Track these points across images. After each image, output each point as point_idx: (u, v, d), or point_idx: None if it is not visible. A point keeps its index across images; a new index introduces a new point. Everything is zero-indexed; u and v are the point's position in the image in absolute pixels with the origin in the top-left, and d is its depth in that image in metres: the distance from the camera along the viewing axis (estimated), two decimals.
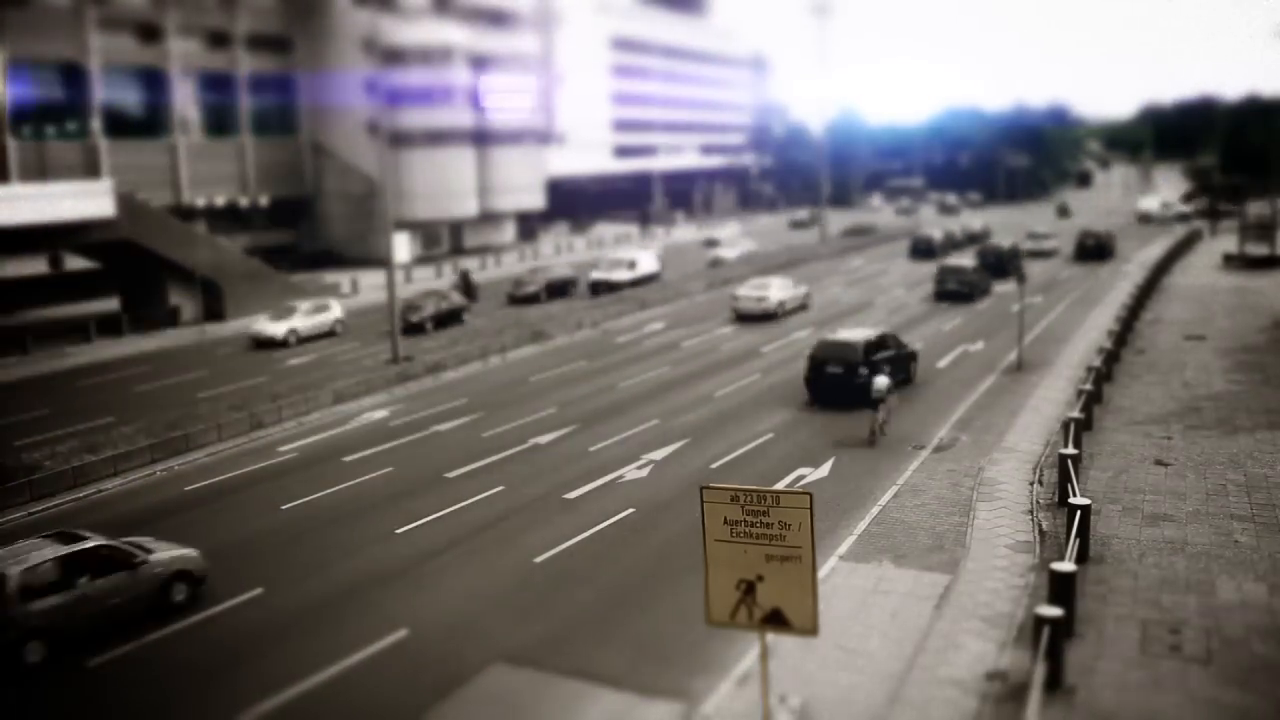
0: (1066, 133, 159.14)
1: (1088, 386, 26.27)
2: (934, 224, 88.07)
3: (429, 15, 70.81)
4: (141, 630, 16.22)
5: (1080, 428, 22.65)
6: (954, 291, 49.75)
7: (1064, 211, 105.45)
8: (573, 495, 22.25)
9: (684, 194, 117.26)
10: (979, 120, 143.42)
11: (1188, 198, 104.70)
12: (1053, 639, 12.56)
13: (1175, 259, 62.76)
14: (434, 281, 62.10)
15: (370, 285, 56.62)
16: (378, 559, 19.08)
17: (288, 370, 37.20)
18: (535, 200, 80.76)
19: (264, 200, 66.69)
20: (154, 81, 60.39)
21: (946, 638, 14.53)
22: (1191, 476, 21.27)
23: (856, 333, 31.10)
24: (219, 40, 63.50)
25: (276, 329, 42.77)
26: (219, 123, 64.48)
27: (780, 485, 22.19)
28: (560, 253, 77.80)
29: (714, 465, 24.19)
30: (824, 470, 23.39)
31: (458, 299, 48.36)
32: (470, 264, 66.61)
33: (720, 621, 11.51)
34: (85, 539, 16.63)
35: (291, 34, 67.59)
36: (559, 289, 55.34)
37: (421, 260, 68.67)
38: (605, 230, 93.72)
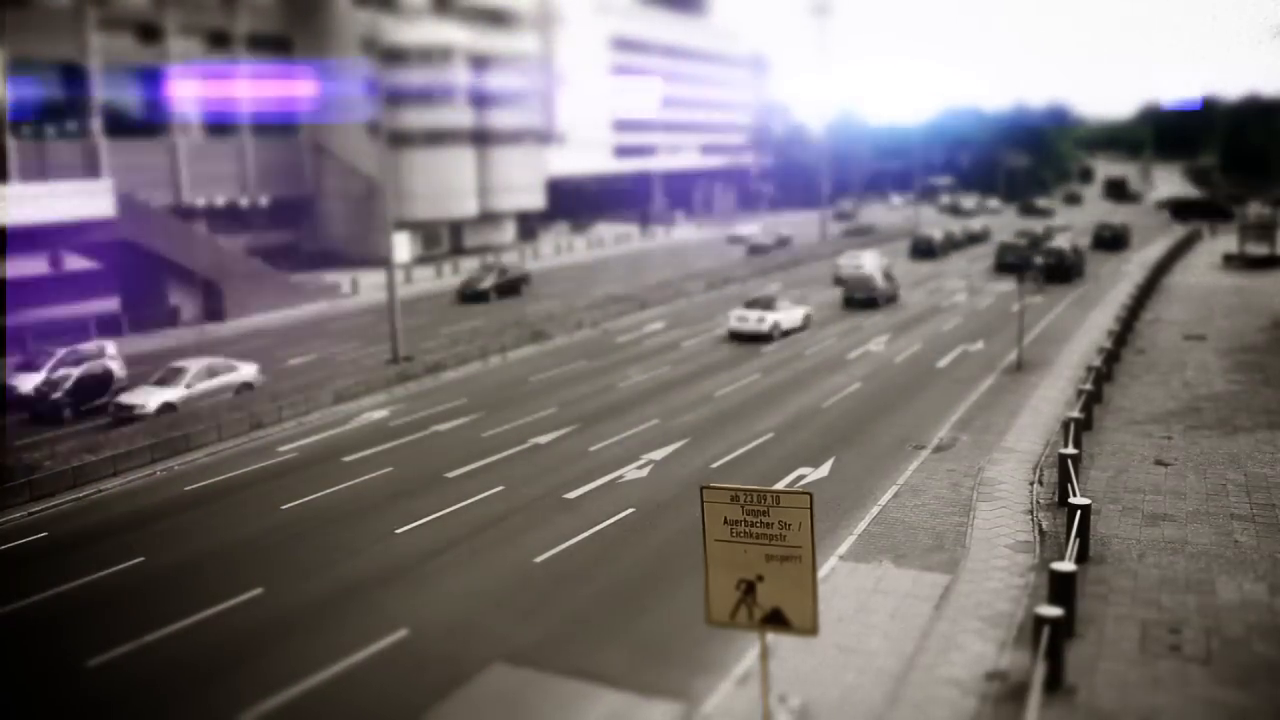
0: (1066, 133, 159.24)
1: (1088, 386, 26.28)
2: (934, 224, 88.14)
3: (429, 15, 70.80)
4: (140, 630, 16.23)
5: (1080, 428, 22.66)
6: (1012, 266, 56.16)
7: (1074, 199, 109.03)
8: (573, 495, 22.25)
9: (684, 194, 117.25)
10: (979, 120, 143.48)
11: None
12: (1053, 639, 12.56)
13: (1175, 259, 62.79)
14: (434, 281, 62.15)
15: (370, 285, 56.63)
16: (378, 559, 19.08)
17: (288, 370, 37.19)
18: (535, 200, 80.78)
19: (264, 200, 66.69)
20: (154, 81, 60.38)
21: (946, 638, 14.53)
22: (1191, 476, 21.27)
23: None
24: (219, 40, 63.49)
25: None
26: (219, 123, 64.45)
27: (780, 485, 22.19)
28: (560, 253, 77.81)
29: (714, 465, 24.20)
30: (824, 470, 23.40)
31: (519, 271, 58.31)
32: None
33: (720, 621, 11.51)
34: None
35: (291, 34, 67.59)
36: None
37: (421, 260, 68.67)
38: (605, 230, 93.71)
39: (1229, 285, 51.26)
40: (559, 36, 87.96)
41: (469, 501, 22.09)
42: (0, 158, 52.03)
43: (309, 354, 40.93)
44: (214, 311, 48.86)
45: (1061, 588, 13.94)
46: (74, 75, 55.98)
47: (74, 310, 49.44)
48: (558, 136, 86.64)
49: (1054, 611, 12.79)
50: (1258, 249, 61.01)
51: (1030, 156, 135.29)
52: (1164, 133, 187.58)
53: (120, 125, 58.61)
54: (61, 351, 33.93)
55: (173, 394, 30.99)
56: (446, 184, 70.78)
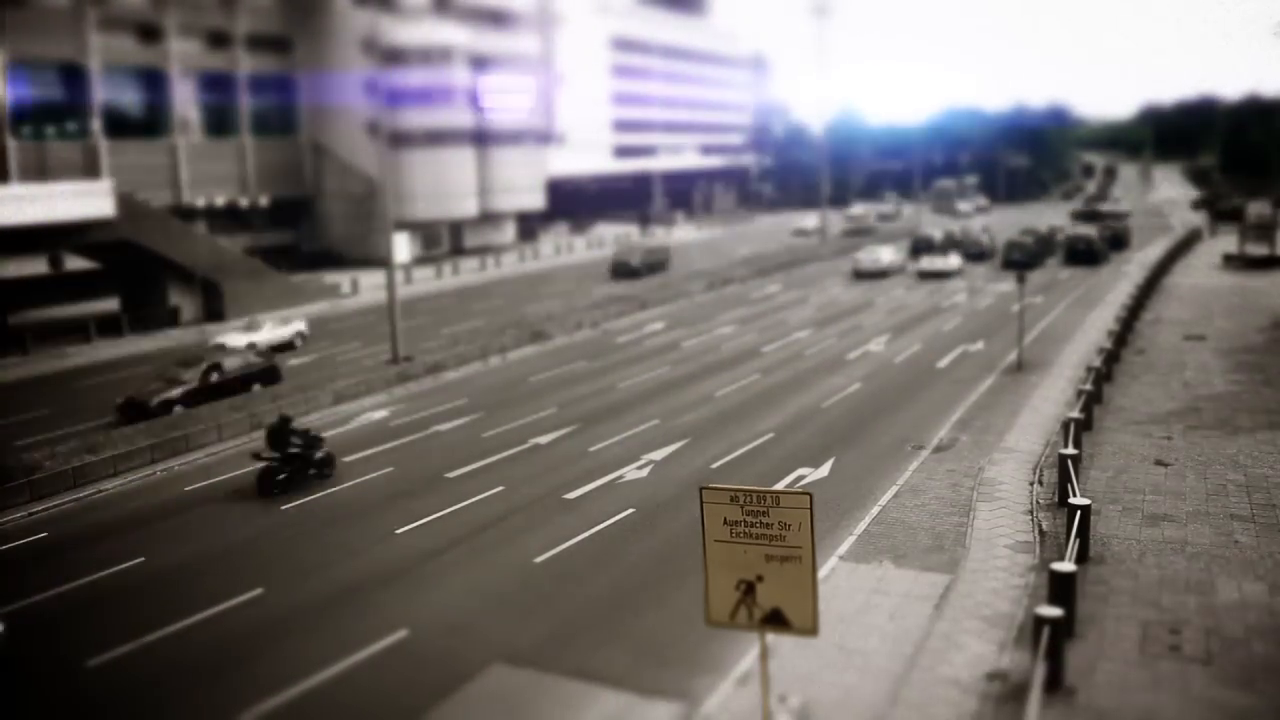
0: (1066, 133, 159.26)
1: (1088, 386, 26.27)
2: (934, 224, 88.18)
3: (429, 15, 70.80)
4: (140, 630, 16.24)
5: (1080, 428, 22.65)
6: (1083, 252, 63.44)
7: (1070, 196, 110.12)
8: (573, 495, 22.25)
9: (684, 194, 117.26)
10: (979, 120, 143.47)
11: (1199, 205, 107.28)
12: (1053, 639, 12.56)
13: (1175, 259, 62.79)
14: (434, 281, 62.15)
15: (370, 285, 56.65)
16: (378, 559, 19.08)
17: (288, 370, 37.18)
18: (535, 200, 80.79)
19: (264, 200, 66.71)
20: (154, 81, 60.40)
21: (946, 638, 14.53)
22: (1191, 476, 21.27)
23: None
24: (219, 40, 63.50)
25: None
26: (219, 123, 64.50)
27: (780, 485, 22.19)
28: (560, 253, 77.82)
29: (714, 465, 24.20)
30: (824, 470, 23.39)
31: (664, 252, 65.98)
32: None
33: (720, 622, 11.51)
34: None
35: (291, 34, 67.61)
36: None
37: (421, 260, 68.68)
38: (605, 230, 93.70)
39: (1229, 285, 51.27)
40: (559, 36, 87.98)
41: (469, 502, 22.10)
42: (0, 158, 52.04)
43: (309, 354, 40.93)
44: (214, 311, 48.86)
45: (1061, 588, 13.93)
46: (74, 75, 56.00)
47: (74, 310, 49.50)
48: (558, 136, 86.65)
49: (1054, 612, 12.79)
50: (1258, 249, 60.99)
51: (1030, 157, 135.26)
52: (1164, 133, 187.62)
53: (120, 125, 58.63)
54: None
55: (256, 337, 40.42)
56: (446, 184, 70.79)
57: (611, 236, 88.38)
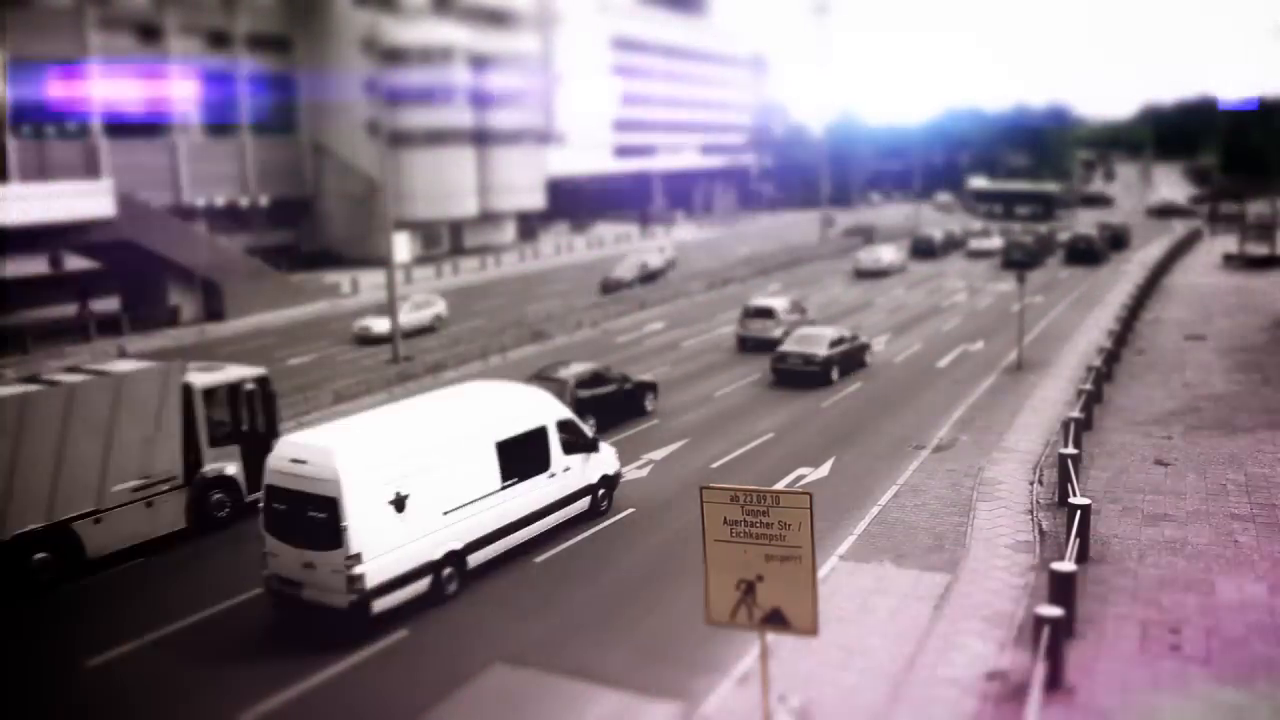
0: (1066, 133, 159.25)
1: (1088, 386, 26.27)
2: (934, 224, 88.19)
3: (429, 15, 70.83)
4: (140, 630, 16.23)
5: (1080, 428, 22.65)
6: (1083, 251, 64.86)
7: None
8: None
9: (684, 194, 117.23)
10: (979, 120, 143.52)
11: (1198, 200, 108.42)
12: (1053, 639, 12.55)
13: (1175, 259, 62.81)
14: (434, 281, 62.11)
15: (370, 285, 56.64)
16: None
17: (288, 370, 37.17)
18: (535, 200, 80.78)
19: (264, 200, 66.70)
20: (154, 81, 60.38)
21: (946, 638, 14.53)
22: (1191, 476, 21.26)
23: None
24: (219, 40, 63.51)
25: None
26: (219, 123, 64.48)
27: (780, 485, 22.19)
28: (560, 252, 77.77)
29: (714, 465, 24.19)
30: (824, 470, 23.39)
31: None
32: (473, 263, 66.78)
33: (720, 621, 11.51)
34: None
35: (291, 33, 67.62)
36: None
37: (421, 260, 68.68)
38: (605, 230, 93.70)
39: (1229, 285, 51.28)
40: (559, 36, 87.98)
41: None
42: (0, 158, 52.04)
43: (309, 354, 40.92)
44: (214, 311, 48.86)
45: (1061, 588, 13.93)
46: (74, 75, 55.99)
47: (74, 310, 49.49)
48: (558, 136, 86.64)
49: (1054, 611, 12.78)
50: (1258, 249, 61.00)
51: (1030, 157, 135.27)
52: (1164, 133, 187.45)
53: (120, 125, 58.62)
54: None
55: (401, 319, 40.82)
56: (446, 184, 70.79)
57: (612, 236, 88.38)
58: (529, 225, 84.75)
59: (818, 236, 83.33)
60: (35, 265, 51.30)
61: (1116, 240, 71.08)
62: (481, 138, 73.43)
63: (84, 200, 43.33)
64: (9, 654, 15.93)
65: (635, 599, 16.88)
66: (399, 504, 15.87)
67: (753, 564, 11.15)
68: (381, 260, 44.23)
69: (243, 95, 64.96)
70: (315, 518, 15.34)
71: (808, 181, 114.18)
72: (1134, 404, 27.64)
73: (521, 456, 18.47)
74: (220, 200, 63.66)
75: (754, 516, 11.08)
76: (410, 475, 16.16)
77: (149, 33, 59.64)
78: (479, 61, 72.73)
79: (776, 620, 11.23)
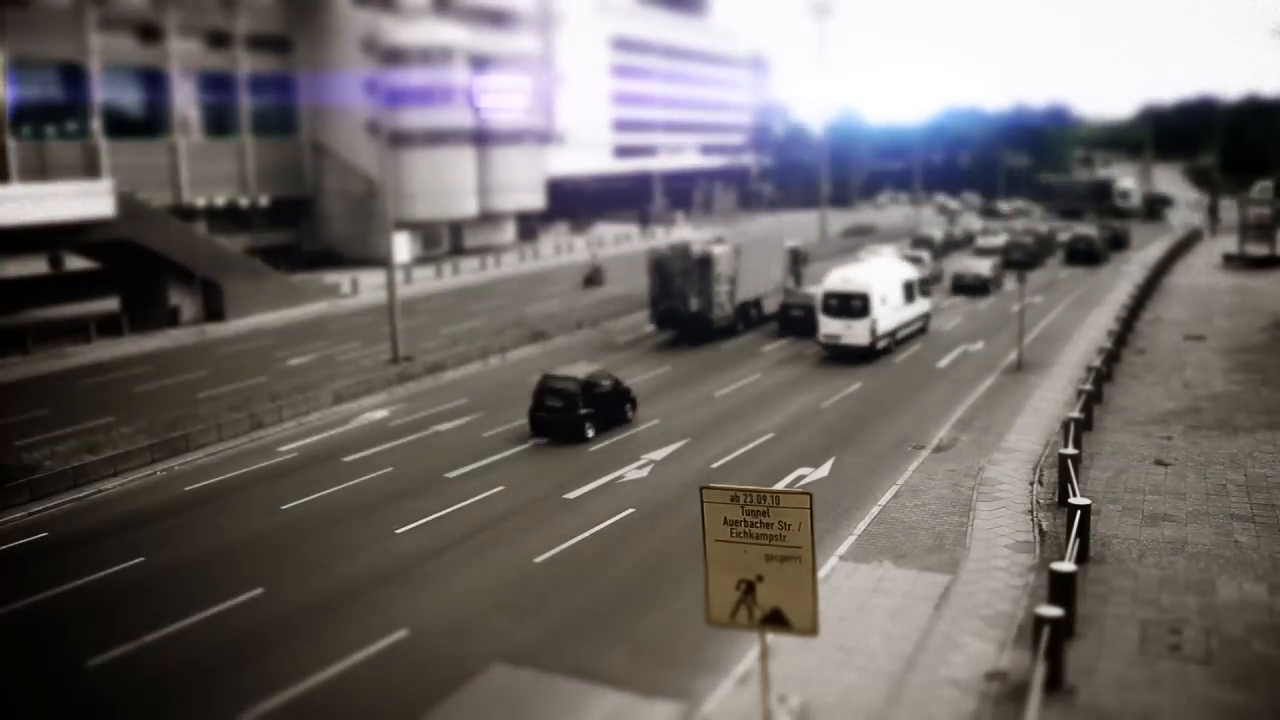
0: (1066, 133, 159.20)
1: (1088, 386, 26.27)
2: (934, 224, 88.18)
3: (429, 15, 70.79)
4: (141, 630, 16.25)
5: (1080, 428, 22.65)
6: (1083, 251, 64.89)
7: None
8: (573, 495, 22.26)
9: (684, 194, 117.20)
10: (979, 120, 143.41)
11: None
12: (1053, 639, 12.55)
13: (1175, 259, 62.80)
14: (434, 281, 62.11)
15: (370, 285, 56.61)
16: (378, 559, 19.08)
17: (288, 370, 37.20)
18: (535, 200, 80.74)
19: (264, 200, 66.68)
20: (154, 81, 60.39)
21: (946, 638, 14.53)
22: (1191, 476, 21.27)
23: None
24: (219, 40, 63.49)
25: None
26: (219, 123, 64.49)
27: (780, 485, 22.20)
28: (560, 252, 77.78)
29: (714, 465, 24.20)
30: (824, 470, 23.40)
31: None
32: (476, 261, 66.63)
33: (720, 621, 11.51)
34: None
35: (291, 34, 67.58)
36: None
37: (421, 260, 68.66)
38: (605, 230, 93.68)
39: (1229, 285, 51.27)
40: (559, 36, 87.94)
41: (469, 501, 22.10)
42: (0, 158, 52.03)
43: (309, 354, 40.92)
44: (214, 311, 48.83)
45: (1061, 588, 13.93)
46: (74, 75, 55.98)
47: (74, 310, 49.51)
48: (558, 136, 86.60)
49: (1054, 611, 12.79)
50: (1258, 249, 60.98)
51: (1030, 157, 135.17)
52: (1164, 133, 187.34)
53: (120, 125, 58.61)
54: None
55: None
56: (446, 184, 70.73)
57: (612, 236, 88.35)
58: (529, 225, 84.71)
59: (818, 236, 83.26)
60: (35, 265, 51.32)
61: (1116, 240, 71.08)
62: (481, 138, 73.39)
63: (84, 200, 43.29)
64: (12, 652, 15.95)
65: (635, 599, 16.88)
66: (882, 302, 35.62)
67: (753, 564, 11.15)
68: (382, 260, 44.21)
69: (243, 95, 64.93)
70: (854, 305, 35.00)
71: (808, 181, 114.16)
72: (1134, 404, 27.65)
73: (909, 291, 38.65)
74: (220, 200, 63.63)
75: (754, 516, 11.08)
76: (887, 294, 36.22)
77: (149, 33, 59.62)
78: (479, 61, 72.69)
79: (776, 620, 11.23)
